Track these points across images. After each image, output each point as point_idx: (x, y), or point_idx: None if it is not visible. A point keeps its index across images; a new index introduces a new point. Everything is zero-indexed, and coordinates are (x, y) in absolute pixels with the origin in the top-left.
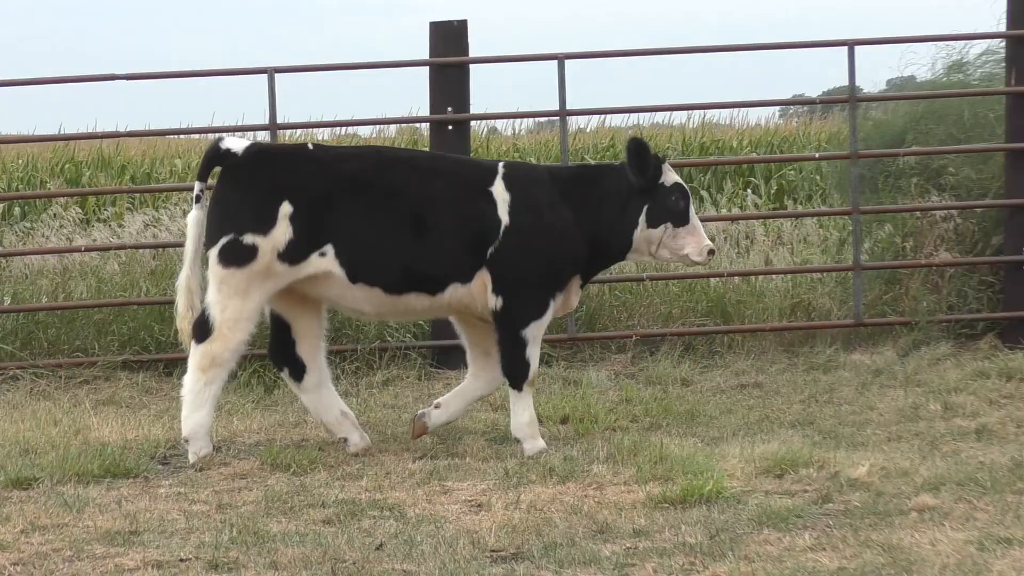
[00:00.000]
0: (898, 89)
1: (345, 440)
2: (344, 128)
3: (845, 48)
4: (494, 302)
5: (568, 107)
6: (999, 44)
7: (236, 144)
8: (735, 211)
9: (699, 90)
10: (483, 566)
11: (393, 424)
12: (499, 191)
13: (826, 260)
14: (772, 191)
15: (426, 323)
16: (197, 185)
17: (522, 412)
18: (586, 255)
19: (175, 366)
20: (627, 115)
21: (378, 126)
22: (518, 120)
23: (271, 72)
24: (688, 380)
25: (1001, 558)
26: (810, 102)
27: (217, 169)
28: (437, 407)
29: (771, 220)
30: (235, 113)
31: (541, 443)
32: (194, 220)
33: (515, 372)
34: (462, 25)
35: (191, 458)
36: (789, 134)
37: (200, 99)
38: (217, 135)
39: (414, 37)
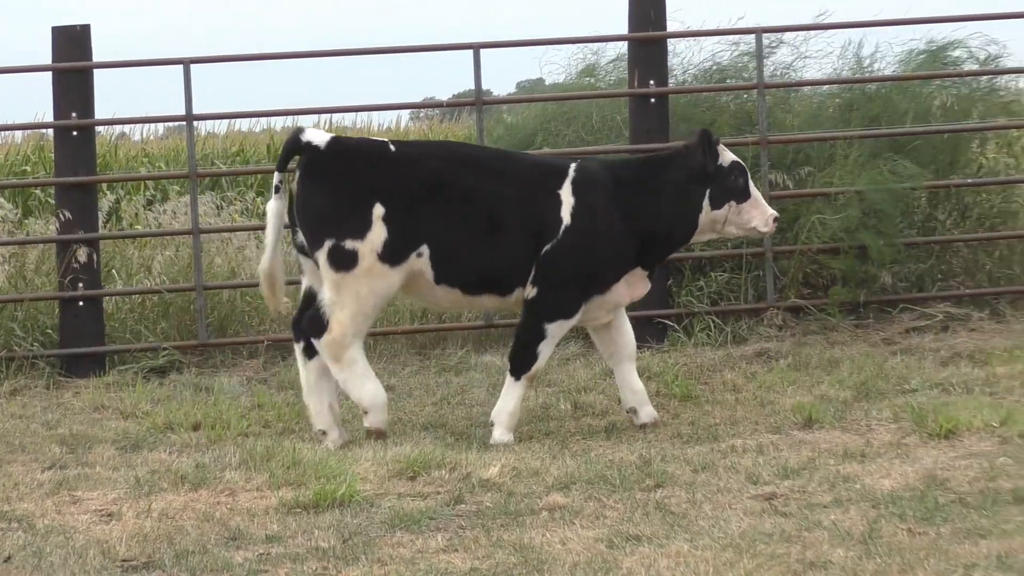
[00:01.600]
0: (528, 92)
1: (323, 433)
2: None
3: (471, 51)
4: (530, 291)
5: (195, 111)
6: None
7: (317, 137)
8: None
9: (329, 94)
10: None
11: (21, 434)
12: (566, 194)
13: None
14: None
15: (54, 331)
16: (276, 176)
17: (510, 400)
18: (637, 252)
19: None
20: (257, 119)
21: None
22: (148, 125)
23: None
24: None
25: (630, 555)
26: (438, 105)
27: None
28: (633, 411)
29: None
30: None
31: (510, 437)
32: (274, 210)
33: (521, 360)
34: (85, 30)
35: (369, 426)
36: (421, 138)
37: None
38: (297, 126)
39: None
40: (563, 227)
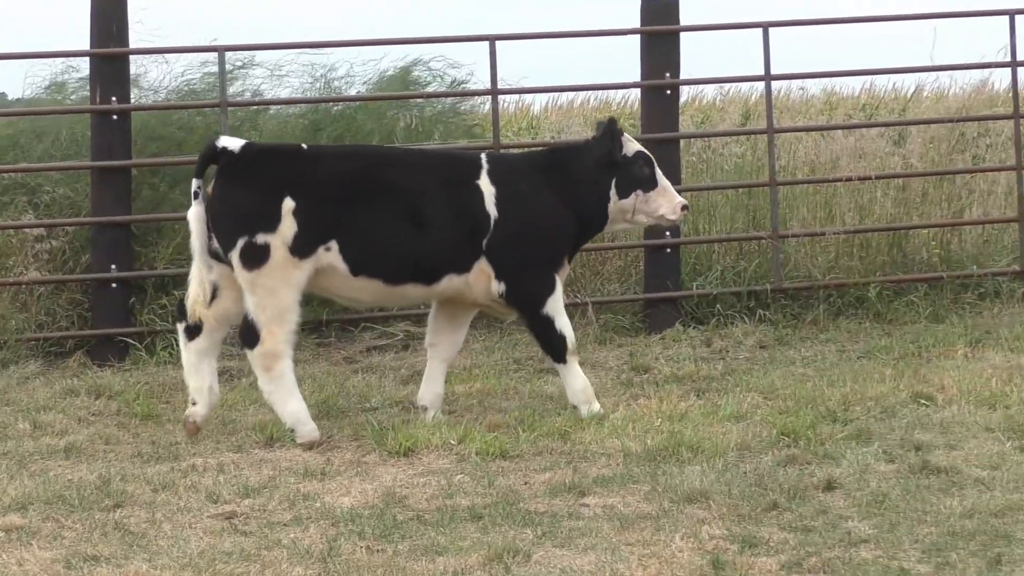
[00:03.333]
0: None
1: (193, 403)
2: None
3: None
4: (497, 288)
5: None
6: None
7: (232, 143)
8: None
9: None
10: None
11: None
12: (484, 183)
13: None
14: None
15: None
16: (194, 182)
17: (574, 380)
18: (576, 230)
19: None
20: None
21: None
22: None
23: None
24: None
25: None
26: None
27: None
28: (424, 409)
29: None
30: None
31: (597, 406)
32: (195, 216)
33: (553, 347)
34: None
35: (302, 441)
36: None
37: None
38: (213, 133)
39: None
40: (492, 218)
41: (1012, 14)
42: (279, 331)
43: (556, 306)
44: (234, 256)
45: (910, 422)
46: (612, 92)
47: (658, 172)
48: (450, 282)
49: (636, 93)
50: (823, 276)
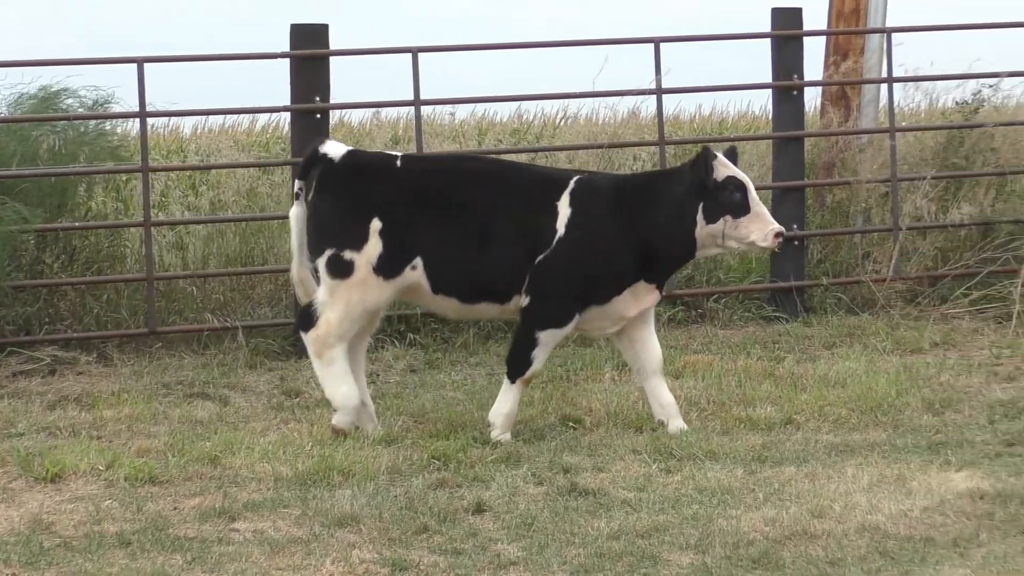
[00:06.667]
0: None
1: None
2: None
3: None
4: (523, 300)
5: None
6: None
7: (334, 149)
8: None
9: None
10: None
11: None
12: (563, 204)
13: None
14: None
15: None
16: (296, 183)
17: (505, 403)
18: (637, 265)
19: None
20: None
21: None
22: None
23: None
24: None
25: None
26: None
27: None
28: (662, 424)
29: None
30: None
31: (508, 436)
32: (295, 216)
33: (516, 365)
34: None
35: (337, 425)
36: None
37: None
38: (319, 138)
39: None
40: (557, 237)
41: (657, 42)
42: (336, 326)
43: (551, 338)
44: (320, 263)
45: (559, 444)
46: (263, 115)
47: (752, 198)
48: (518, 301)
49: (287, 116)
50: None
